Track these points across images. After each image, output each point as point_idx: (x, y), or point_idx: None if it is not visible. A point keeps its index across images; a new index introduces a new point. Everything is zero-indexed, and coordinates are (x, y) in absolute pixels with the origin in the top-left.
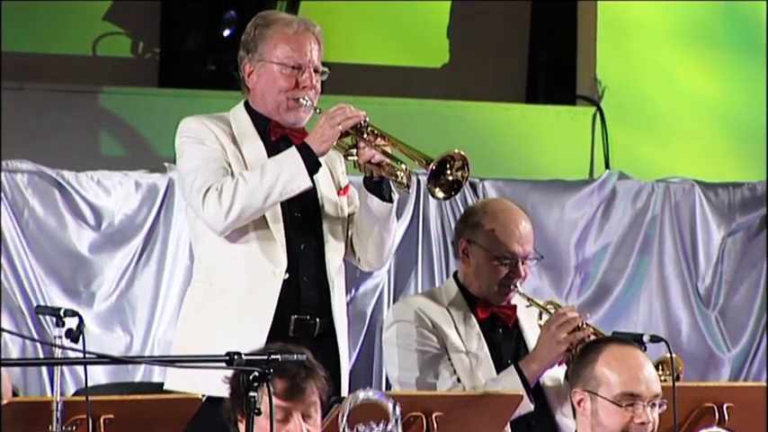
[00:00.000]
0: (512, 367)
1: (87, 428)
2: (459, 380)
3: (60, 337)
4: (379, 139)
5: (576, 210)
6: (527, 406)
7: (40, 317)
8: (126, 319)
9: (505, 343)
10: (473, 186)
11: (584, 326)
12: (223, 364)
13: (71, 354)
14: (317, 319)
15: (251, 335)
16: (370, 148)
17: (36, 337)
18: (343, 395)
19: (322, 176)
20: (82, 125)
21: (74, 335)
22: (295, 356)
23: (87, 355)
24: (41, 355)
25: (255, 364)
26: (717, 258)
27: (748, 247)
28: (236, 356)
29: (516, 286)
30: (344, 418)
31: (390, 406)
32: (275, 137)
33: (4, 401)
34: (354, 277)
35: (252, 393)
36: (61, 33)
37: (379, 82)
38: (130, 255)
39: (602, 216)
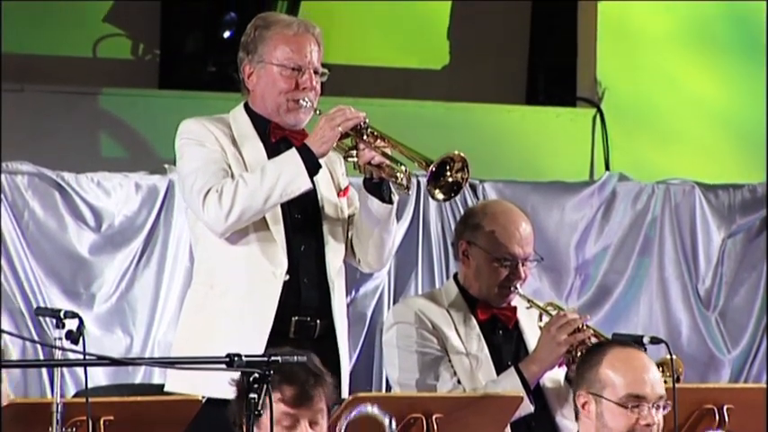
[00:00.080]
0: (512, 369)
1: (87, 430)
2: (459, 381)
3: (60, 338)
4: (378, 140)
5: (576, 211)
6: (527, 407)
7: (40, 318)
8: (126, 321)
9: (506, 344)
10: (473, 188)
11: (585, 327)
12: (223, 366)
13: (71, 355)
14: (318, 321)
15: (251, 336)
16: (370, 149)
17: (36, 338)
18: (343, 397)
19: (322, 178)
20: (82, 127)
21: (74, 336)
22: (295, 358)
23: (87, 357)
24: (41, 357)
25: (256, 365)
26: (717, 260)
27: (748, 248)
28: (236, 358)
29: (516, 288)
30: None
31: (387, 421)
32: (275, 138)
33: (4, 403)
34: (354, 279)
35: (252, 395)
36: (62, 35)
37: (379, 83)
38: (131, 256)
39: (602, 217)
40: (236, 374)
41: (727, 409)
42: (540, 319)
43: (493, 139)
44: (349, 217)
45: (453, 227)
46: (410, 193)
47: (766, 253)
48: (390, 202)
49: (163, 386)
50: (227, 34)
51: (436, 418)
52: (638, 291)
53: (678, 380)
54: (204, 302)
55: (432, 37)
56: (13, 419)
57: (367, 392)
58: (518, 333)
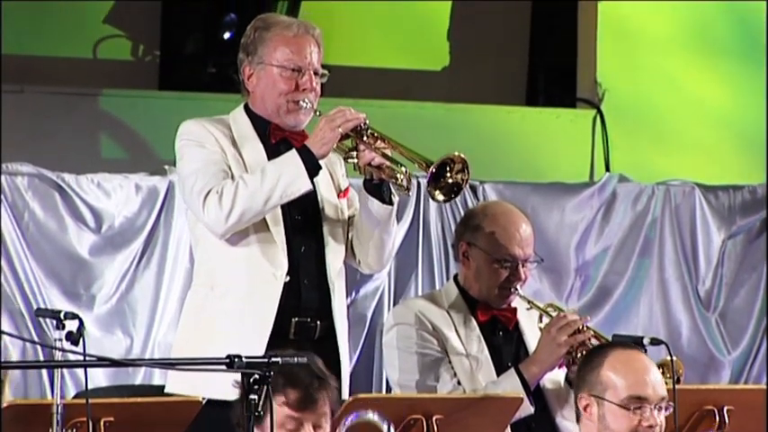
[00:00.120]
0: (512, 370)
1: (87, 431)
2: (459, 383)
3: (60, 339)
4: (378, 141)
5: (576, 212)
6: (527, 409)
7: (41, 319)
8: (126, 322)
9: (506, 346)
10: (473, 189)
11: (585, 329)
12: (223, 367)
13: (71, 356)
14: (318, 322)
15: (252, 338)
16: (370, 150)
17: (36, 339)
18: (343, 398)
19: (322, 179)
20: (82, 128)
21: (74, 337)
22: (296, 360)
23: (87, 358)
24: (42, 358)
25: (256, 366)
26: (717, 261)
27: (748, 249)
28: (236, 359)
29: (516, 289)
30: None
31: (385, 428)
32: (275, 139)
33: (4, 404)
34: (355, 280)
35: (252, 396)
36: (62, 36)
37: (379, 85)
38: (131, 257)
39: (602, 219)
40: (239, 376)
41: (728, 410)
42: (541, 321)
43: (493, 140)
44: (349, 218)
45: (453, 228)
46: (410, 194)
47: (766, 254)
48: (390, 203)
49: (163, 387)
50: (227, 35)
51: (436, 420)
52: (639, 292)
53: (678, 381)
54: (204, 304)
55: (432, 38)
56: (14, 420)
57: (367, 394)
58: (518, 334)
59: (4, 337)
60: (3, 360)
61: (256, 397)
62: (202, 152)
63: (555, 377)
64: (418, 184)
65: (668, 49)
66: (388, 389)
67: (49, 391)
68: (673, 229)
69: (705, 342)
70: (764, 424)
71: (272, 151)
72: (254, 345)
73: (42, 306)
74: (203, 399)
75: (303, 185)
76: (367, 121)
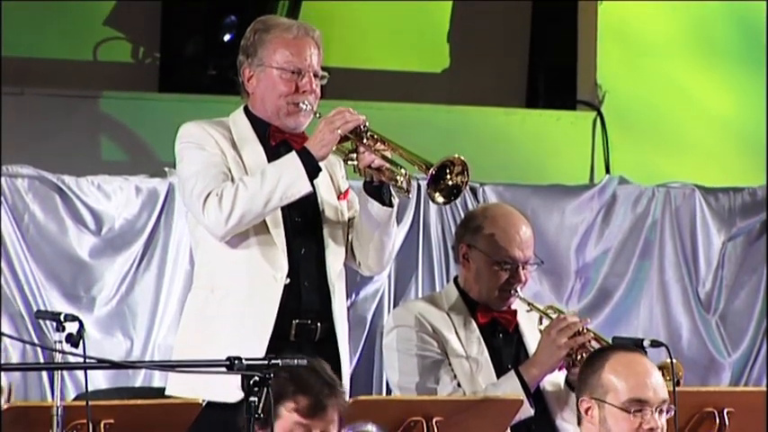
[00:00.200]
0: (512, 372)
1: None
2: (459, 385)
3: (60, 341)
4: (378, 143)
5: (576, 214)
6: (527, 411)
7: (41, 321)
8: (126, 324)
9: (506, 348)
10: (473, 191)
11: (585, 331)
12: (223, 369)
13: (71, 358)
14: (318, 324)
15: (252, 340)
16: (370, 152)
17: (36, 341)
18: None
19: (322, 181)
20: (82, 130)
21: (74, 340)
22: (296, 361)
23: (87, 360)
24: (42, 360)
25: (256, 368)
26: (717, 263)
27: (749, 251)
28: (236, 361)
29: (517, 291)
30: None
31: None
32: (275, 141)
33: (5, 406)
34: (355, 282)
35: (252, 398)
36: (62, 38)
37: (379, 87)
38: (131, 259)
39: (602, 221)
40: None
41: (728, 412)
42: (541, 323)
43: (493, 142)
44: (349, 220)
45: (453, 230)
46: (410, 196)
47: (766, 256)
48: (390, 205)
49: (163, 389)
50: (227, 37)
51: (436, 422)
52: (639, 294)
53: (678, 383)
54: (205, 306)
55: (432, 40)
56: (14, 422)
57: (367, 396)
58: (518, 336)
59: (5, 339)
60: (3, 362)
61: (257, 399)
62: (202, 154)
63: (555, 379)
64: (418, 186)
65: (669, 51)
66: (388, 391)
67: (49, 393)
68: (673, 231)
69: (705, 344)
70: (765, 426)
71: (272, 153)
72: (255, 347)
73: (42, 308)
74: (203, 401)
75: (303, 187)
76: (367, 123)
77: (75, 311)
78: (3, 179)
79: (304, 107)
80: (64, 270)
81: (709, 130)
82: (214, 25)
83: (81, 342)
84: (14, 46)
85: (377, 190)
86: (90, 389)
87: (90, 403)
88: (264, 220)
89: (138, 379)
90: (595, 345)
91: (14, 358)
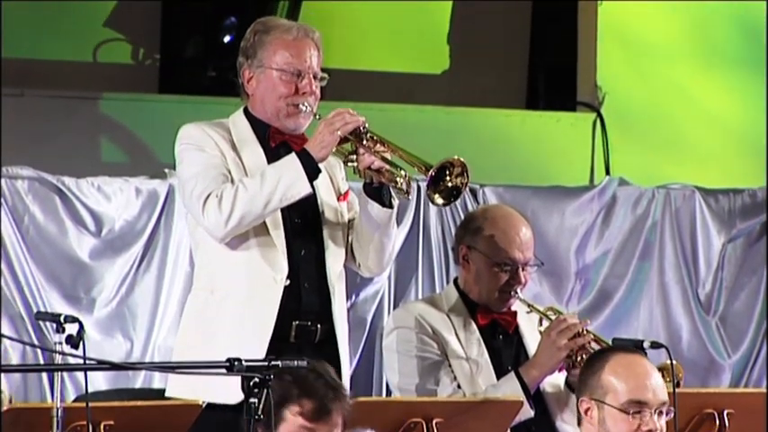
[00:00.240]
0: (512, 373)
1: None
2: (459, 386)
3: (60, 343)
4: (378, 145)
5: (576, 216)
6: (527, 412)
7: (41, 323)
8: (126, 326)
9: (506, 349)
10: (473, 192)
11: (585, 332)
12: (223, 371)
13: (71, 360)
14: (318, 325)
15: (252, 341)
16: (370, 154)
17: (36, 343)
18: None
19: (322, 182)
20: (82, 131)
21: (74, 341)
22: (296, 363)
23: (87, 362)
24: (42, 362)
25: (256, 370)
26: (717, 264)
27: (749, 253)
28: (236, 362)
29: (516, 292)
30: None
31: None
32: (275, 143)
33: (4, 408)
34: (355, 283)
35: (252, 399)
36: (62, 40)
37: (379, 88)
38: (131, 261)
39: (602, 222)
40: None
41: (728, 413)
42: (541, 324)
43: (493, 143)
44: (349, 221)
45: (453, 231)
46: (410, 197)
47: (766, 258)
48: (390, 206)
49: (163, 391)
50: (227, 39)
51: (436, 423)
52: (639, 295)
53: (678, 384)
54: (205, 308)
55: (432, 41)
56: (14, 424)
57: (367, 397)
58: (518, 338)
59: (4, 340)
60: (3, 363)
61: (257, 400)
62: (202, 156)
63: (555, 381)
64: (418, 187)
65: (669, 53)
66: (388, 392)
67: (49, 394)
68: (673, 233)
69: (705, 345)
70: (765, 427)
71: (272, 155)
72: (255, 348)
73: (42, 309)
74: (203, 402)
75: (303, 189)
76: (366, 125)
77: (75, 313)
78: (3, 180)
79: (304, 108)
80: (64, 271)
81: (710, 132)
82: (214, 27)
83: (81, 343)
84: (15, 47)
85: (377, 191)
86: (90, 390)
87: (90, 405)
88: (264, 222)
89: (138, 380)
90: (595, 346)
91: (14, 359)
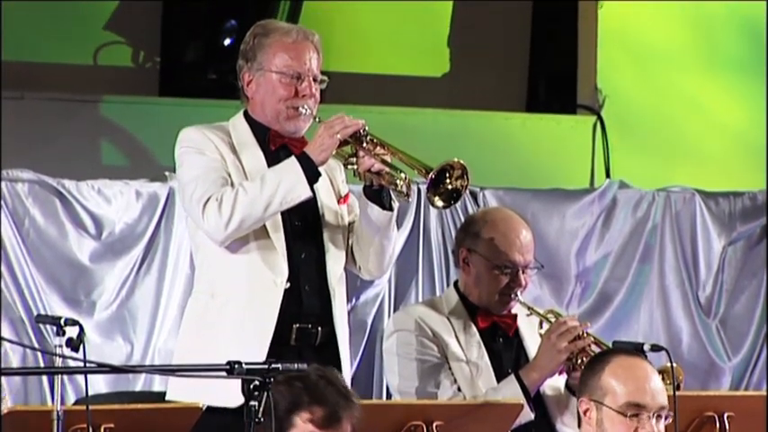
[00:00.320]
0: (512, 376)
1: None
2: (459, 389)
3: (61, 346)
4: (378, 147)
5: (576, 219)
6: (527, 415)
7: (41, 326)
8: (126, 329)
9: (506, 352)
10: (473, 195)
11: (585, 335)
12: (224, 374)
13: (71, 363)
14: (319, 328)
15: (252, 344)
16: (370, 156)
17: (36, 346)
18: None
19: (322, 185)
20: (82, 134)
21: (74, 344)
22: (296, 366)
23: (88, 365)
24: (42, 364)
25: (256, 373)
26: (717, 267)
27: (749, 256)
28: (236, 365)
29: (517, 295)
30: None
31: None
32: (275, 146)
33: (5, 411)
34: (355, 286)
35: (252, 402)
36: (62, 43)
37: (379, 91)
38: (131, 264)
39: (602, 225)
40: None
41: (728, 416)
42: (541, 327)
43: (493, 146)
44: (349, 224)
45: (454, 234)
46: (410, 200)
47: (767, 260)
48: (390, 209)
49: (163, 394)
50: (227, 42)
51: (436, 426)
52: (639, 298)
53: (678, 387)
54: (205, 311)
55: (432, 44)
56: (14, 427)
57: (367, 400)
58: (518, 340)
59: (5, 343)
60: (3, 366)
61: (257, 403)
62: (202, 159)
63: (555, 383)
64: (418, 190)
65: (669, 56)
66: (389, 395)
67: (50, 397)
68: (673, 236)
69: (705, 348)
70: (765, 430)
71: (272, 158)
72: (255, 351)
73: (43, 312)
74: (203, 405)
75: (303, 192)
76: (366, 128)
77: (75, 316)
78: (3, 183)
79: (303, 111)
80: (64, 274)
81: (710, 134)
82: (214, 30)
83: (81, 346)
84: (15, 50)
85: (377, 194)
86: (90, 393)
87: (90, 408)
88: (264, 225)
89: (139, 383)
90: (595, 349)
91: (15, 362)
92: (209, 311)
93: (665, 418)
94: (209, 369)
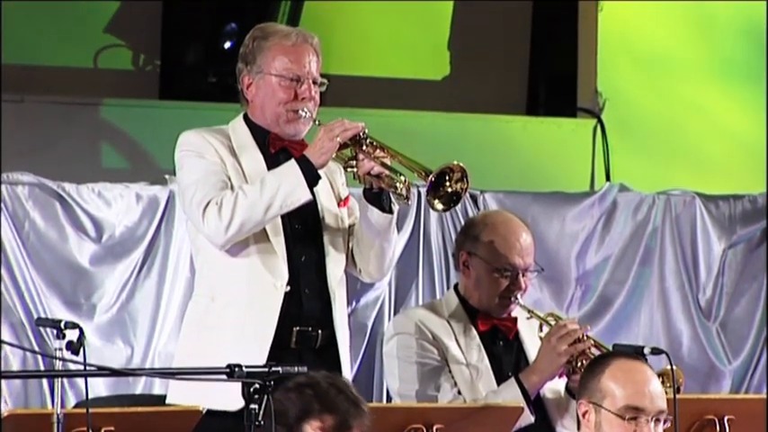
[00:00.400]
0: (512, 379)
1: None
2: (459, 392)
3: (61, 349)
4: (378, 150)
5: (576, 222)
6: (527, 418)
7: (41, 329)
8: (126, 332)
9: (506, 355)
10: (474, 198)
11: (585, 338)
12: (224, 377)
13: (72, 366)
14: (319, 331)
15: (253, 347)
16: (369, 159)
17: (37, 349)
18: None
19: (322, 188)
20: (83, 137)
21: (74, 347)
22: (296, 369)
23: (88, 368)
24: (42, 368)
25: (256, 376)
26: (717, 270)
27: (749, 259)
28: (236, 368)
29: (517, 298)
30: None
31: None
32: (274, 149)
33: (5, 413)
34: (355, 289)
35: (252, 405)
36: (62, 45)
37: (379, 94)
38: (131, 267)
39: (602, 228)
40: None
41: (728, 419)
42: (541, 330)
43: (494, 149)
44: (349, 227)
45: (454, 237)
46: (410, 203)
47: (767, 264)
48: (390, 211)
49: (163, 397)
50: (227, 45)
51: (437, 429)
52: (639, 301)
53: (678, 390)
54: (205, 315)
55: (432, 47)
56: (14, 430)
57: (368, 403)
58: (518, 344)
59: (5, 346)
60: (3, 369)
61: (257, 406)
62: (202, 163)
63: (555, 386)
64: (419, 193)
65: (669, 58)
66: (389, 398)
67: (50, 400)
68: (673, 239)
69: (706, 351)
70: None
71: (272, 161)
72: (256, 354)
73: (43, 315)
74: (203, 409)
75: (302, 195)
76: (366, 131)
77: (75, 319)
78: (3, 186)
79: (303, 114)
80: (64, 277)
81: (710, 137)
82: (214, 33)
83: (81, 349)
84: (15, 53)
85: (376, 197)
86: (90, 396)
87: (90, 411)
88: (264, 228)
89: (139, 386)
90: (595, 352)
91: (15, 366)
92: (209, 315)
93: (664, 422)
94: (210, 372)
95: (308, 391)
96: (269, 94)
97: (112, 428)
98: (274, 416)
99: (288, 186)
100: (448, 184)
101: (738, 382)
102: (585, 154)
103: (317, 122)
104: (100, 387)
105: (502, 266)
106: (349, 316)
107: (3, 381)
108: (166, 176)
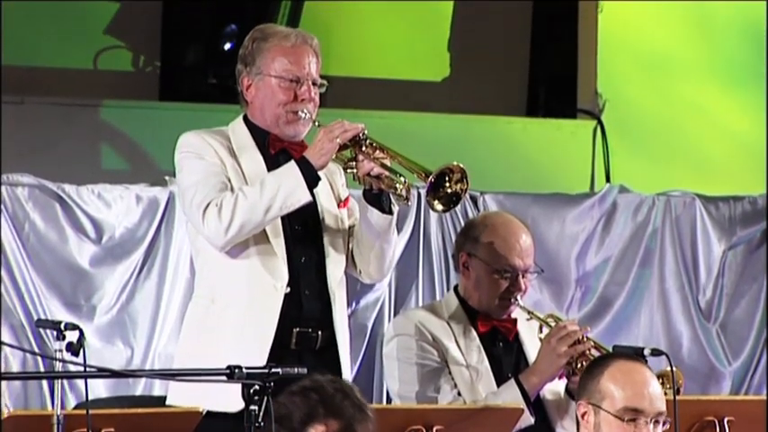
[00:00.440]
0: (512, 380)
1: None
2: (459, 393)
3: (61, 350)
4: (377, 151)
5: (576, 223)
6: (527, 419)
7: (41, 330)
8: (126, 333)
9: (506, 356)
10: (474, 200)
11: (585, 339)
12: (224, 378)
13: (72, 367)
14: (319, 332)
15: (253, 349)
16: (369, 160)
17: (37, 350)
18: None
19: (322, 189)
20: (82, 138)
21: (74, 348)
22: (296, 370)
23: (88, 369)
24: (42, 369)
25: (256, 377)
26: (717, 272)
27: (749, 260)
28: (236, 370)
29: (517, 299)
30: None
31: None
32: (274, 150)
33: (5, 415)
34: (355, 290)
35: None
36: (62, 47)
37: (379, 95)
38: (131, 268)
39: (602, 229)
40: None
41: (728, 421)
42: (541, 331)
43: (493, 150)
44: (349, 228)
45: (454, 239)
46: (410, 204)
47: (767, 265)
48: (390, 212)
49: (164, 398)
50: (227, 46)
51: (436, 430)
52: (639, 302)
53: (678, 392)
54: (205, 316)
55: (433, 49)
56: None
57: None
58: (518, 345)
59: (5, 347)
60: (3, 371)
61: (257, 408)
62: (202, 164)
63: (555, 388)
64: (419, 194)
65: (669, 59)
66: (389, 400)
67: (50, 401)
68: (673, 240)
69: (706, 353)
70: None
71: (272, 162)
72: (256, 356)
73: (43, 317)
74: (203, 410)
75: (302, 197)
76: (366, 132)
77: (75, 320)
78: (3, 188)
79: (303, 115)
80: (64, 279)
81: (710, 138)
82: (215, 34)
83: (81, 351)
84: (15, 55)
85: (376, 198)
86: (90, 397)
87: (90, 412)
88: (264, 230)
89: (139, 388)
90: (595, 353)
91: (15, 367)
92: (209, 316)
93: (663, 424)
94: (210, 373)
95: (313, 395)
96: (268, 96)
97: (112, 430)
98: (279, 420)
99: (288, 188)
100: (448, 184)
101: (738, 383)
102: (585, 155)
103: (316, 124)
104: (100, 388)
105: (502, 268)
106: (349, 317)
107: (3, 382)
108: (166, 178)
